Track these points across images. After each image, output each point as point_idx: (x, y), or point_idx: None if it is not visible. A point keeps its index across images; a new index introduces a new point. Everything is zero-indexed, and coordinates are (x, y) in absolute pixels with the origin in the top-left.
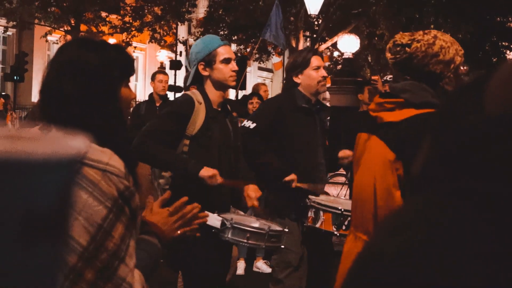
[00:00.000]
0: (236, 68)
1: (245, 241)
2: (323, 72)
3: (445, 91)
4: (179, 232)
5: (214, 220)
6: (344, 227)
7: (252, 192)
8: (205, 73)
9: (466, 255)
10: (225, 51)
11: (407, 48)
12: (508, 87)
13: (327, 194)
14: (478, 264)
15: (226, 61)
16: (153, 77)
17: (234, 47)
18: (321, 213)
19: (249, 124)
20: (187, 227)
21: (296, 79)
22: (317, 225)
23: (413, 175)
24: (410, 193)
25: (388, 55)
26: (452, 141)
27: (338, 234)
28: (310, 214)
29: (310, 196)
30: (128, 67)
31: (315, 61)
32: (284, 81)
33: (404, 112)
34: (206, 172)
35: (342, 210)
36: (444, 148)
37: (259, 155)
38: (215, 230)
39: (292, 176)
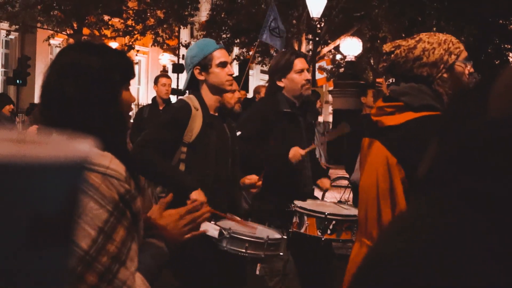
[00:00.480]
0: (232, 72)
1: (244, 251)
2: (306, 75)
3: (439, 93)
4: (188, 235)
5: (211, 229)
6: (329, 231)
7: (248, 179)
8: (201, 78)
9: (466, 255)
10: (220, 55)
11: (392, 56)
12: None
13: (315, 198)
14: (478, 264)
15: (222, 64)
16: (156, 81)
17: (236, 50)
18: (305, 218)
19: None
20: (197, 231)
21: (279, 83)
22: (302, 230)
23: (418, 177)
24: (416, 194)
25: (380, 64)
26: (455, 143)
27: (323, 239)
28: (295, 219)
29: (295, 201)
30: (129, 70)
31: (298, 63)
32: (267, 85)
33: (404, 115)
34: (196, 196)
35: (326, 214)
36: (447, 150)
37: (250, 156)
38: (212, 240)
39: (294, 150)
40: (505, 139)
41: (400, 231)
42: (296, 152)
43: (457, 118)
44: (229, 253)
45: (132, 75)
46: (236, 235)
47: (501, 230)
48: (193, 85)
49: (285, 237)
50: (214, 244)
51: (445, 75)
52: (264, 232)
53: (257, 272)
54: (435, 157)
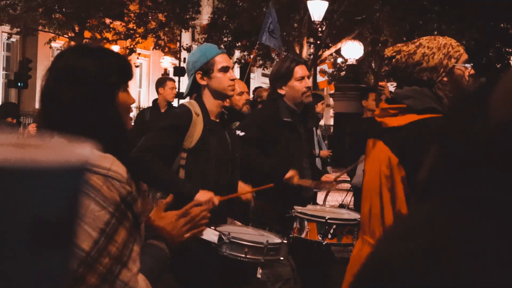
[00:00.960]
0: (234, 76)
1: (243, 255)
2: (307, 83)
3: (439, 96)
4: (187, 235)
5: (211, 234)
6: (329, 236)
7: (243, 187)
8: (203, 83)
9: (469, 259)
10: (223, 60)
11: (393, 60)
12: None
13: (316, 203)
14: (481, 267)
15: (224, 69)
16: (163, 84)
17: (237, 53)
18: (306, 223)
19: (238, 132)
20: (196, 230)
21: (280, 91)
22: (303, 236)
23: (419, 181)
24: (417, 198)
25: (383, 68)
26: (459, 149)
27: (324, 243)
28: (295, 224)
29: (295, 207)
30: (125, 72)
31: (299, 71)
32: (268, 92)
33: (407, 117)
34: (201, 196)
35: (327, 218)
36: (452, 156)
37: (253, 159)
38: (212, 245)
39: (292, 173)
40: (506, 144)
41: (408, 234)
42: (292, 176)
43: (458, 122)
44: (228, 258)
45: (129, 76)
46: (235, 240)
47: (506, 234)
48: (195, 90)
49: (285, 241)
50: (213, 249)
51: (445, 78)
52: (264, 236)
53: (258, 275)
54: (436, 161)
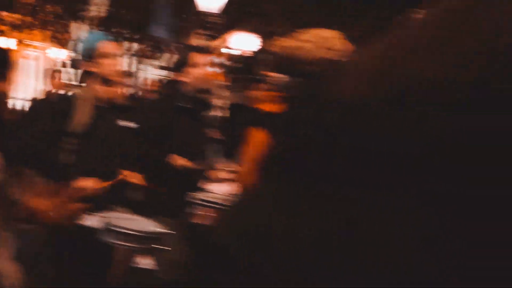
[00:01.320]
0: (120, 63)
1: (123, 243)
2: (204, 69)
3: (321, 86)
4: (67, 217)
5: (93, 220)
6: None
7: (134, 178)
8: (91, 69)
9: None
10: (109, 47)
11: (278, 54)
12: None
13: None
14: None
15: (110, 56)
16: (50, 75)
17: (129, 45)
18: (205, 209)
19: (131, 124)
20: (74, 212)
21: (177, 78)
22: (201, 222)
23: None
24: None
25: (270, 61)
26: (410, 146)
27: None
28: (194, 211)
29: (192, 194)
30: (7, 63)
31: (195, 58)
32: (165, 80)
33: (283, 105)
34: (83, 182)
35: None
36: (403, 154)
37: (145, 153)
38: (92, 231)
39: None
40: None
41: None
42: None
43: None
44: (109, 245)
45: (8, 66)
46: (116, 228)
47: (457, 226)
48: (85, 77)
49: (167, 231)
50: (95, 235)
51: (326, 70)
52: (147, 225)
53: (139, 265)
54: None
